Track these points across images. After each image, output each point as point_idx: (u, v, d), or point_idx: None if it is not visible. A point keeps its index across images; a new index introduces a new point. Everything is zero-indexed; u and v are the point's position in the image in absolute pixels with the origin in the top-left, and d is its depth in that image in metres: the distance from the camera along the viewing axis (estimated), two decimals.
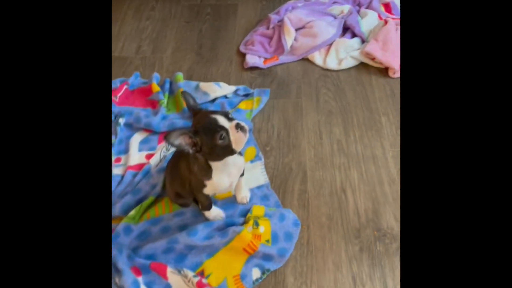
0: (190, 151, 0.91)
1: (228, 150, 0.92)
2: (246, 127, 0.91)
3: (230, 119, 0.91)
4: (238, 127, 0.90)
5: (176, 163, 1.08)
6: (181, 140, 0.90)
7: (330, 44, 1.62)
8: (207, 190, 1.03)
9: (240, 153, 1.03)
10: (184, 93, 0.97)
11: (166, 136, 0.87)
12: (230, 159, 0.97)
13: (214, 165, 0.97)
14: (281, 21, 1.68)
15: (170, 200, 1.18)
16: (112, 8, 1.90)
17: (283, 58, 1.61)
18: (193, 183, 1.03)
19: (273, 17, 1.71)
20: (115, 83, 1.56)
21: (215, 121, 0.90)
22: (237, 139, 0.91)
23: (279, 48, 1.63)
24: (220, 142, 0.90)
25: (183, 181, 1.06)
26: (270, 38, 1.66)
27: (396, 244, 1.09)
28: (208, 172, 0.99)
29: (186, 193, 1.10)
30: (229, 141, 0.91)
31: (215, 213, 1.14)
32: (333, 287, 1.02)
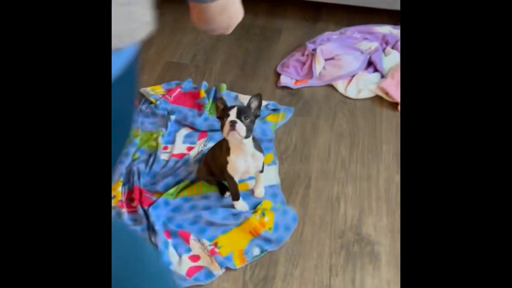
0: (217, 115, 1.35)
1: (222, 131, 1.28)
2: (238, 129, 1.23)
3: (240, 116, 1.24)
4: (232, 123, 1.23)
5: (215, 148, 1.45)
6: (218, 104, 1.34)
7: (353, 76, 1.90)
8: (229, 168, 1.35)
9: (261, 150, 1.37)
10: (218, 100, 1.39)
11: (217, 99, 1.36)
12: (245, 147, 1.31)
13: (231, 145, 1.32)
14: (315, 50, 1.98)
15: (200, 176, 1.52)
16: (177, 19, 2.26)
17: (311, 82, 1.91)
18: (222, 160, 1.36)
19: (309, 45, 2.01)
20: (171, 84, 1.92)
21: (229, 110, 1.25)
22: (225, 128, 1.25)
23: (309, 73, 1.93)
24: (220, 121, 1.29)
25: (216, 161, 1.41)
26: (303, 63, 1.97)
27: (370, 248, 1.37)
28: (228, 150, 1.34)
29: (215, 173, 1.45)
30: (222, 125, 1.26)
31: (242, 205, 1.46)
32: (313, 271, 1.32)
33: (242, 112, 1.25)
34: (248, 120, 1.25)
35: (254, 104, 1.32)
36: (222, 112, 1.30)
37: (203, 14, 0.68)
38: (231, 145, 1.32)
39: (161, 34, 2.20)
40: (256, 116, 1.32)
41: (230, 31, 0.76)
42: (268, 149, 1.64)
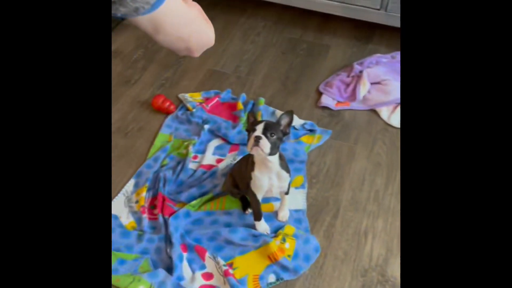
0: (245, 128, 1.32)
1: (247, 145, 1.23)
2: (262, 146, 1.17)
3: (266, 132, 1.19)
4: (256, 139, 1.17)
5: (242, 162, 1.40)
6: (249, 117, 1.31)
7: (399, 103, 1.80)
8: (252, 184, 1.30)
9: (288, 171, 1.31)
10: (250, 112, 1.35)
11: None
12: (270, 164, 1.25)
13: (256, 160, 1.27)
14: (361, 72, 1.89)
15: (225, 188, 1.48)
16: (226, 26, 2.25)
17: (354, 105, 1.83)
18: (246, 175, 1.31)
19: (356, 67, 1.93)
20: (210, 93, 1.90)
21: (257, 125, 1.20)
22: (250, 143, 1.19)
23: (353, 95, 1.84)
24: (248, 134, 1.22)
25: (241, 175, 1.37)
26: (348, 85, 1.88)
27: None
28: (253, 165, 1.29)
29: (240, 187, 1.40)
30: (248, 140, 1.21)
31: (264, 227, 1.40)
32: None
33: (269, 128, 1.19)
34: (274, 137, 1.20)
35: (284, 121, 1.26)
36: (250, 126, 1.25)
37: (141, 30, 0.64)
38: (256, 160, 1.28)
39: None
40: (285, 134, 1.26)
41: (195, 54, 0.72)
42: (298, 171, 1.57)
